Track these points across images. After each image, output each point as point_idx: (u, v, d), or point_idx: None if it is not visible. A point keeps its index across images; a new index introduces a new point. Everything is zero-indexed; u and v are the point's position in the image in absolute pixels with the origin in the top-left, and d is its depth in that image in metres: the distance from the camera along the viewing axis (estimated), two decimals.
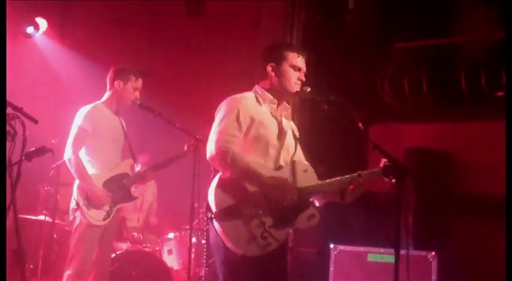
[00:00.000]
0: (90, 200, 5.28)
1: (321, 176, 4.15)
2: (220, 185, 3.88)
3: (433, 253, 6.30)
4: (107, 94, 5.70)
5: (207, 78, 9.05)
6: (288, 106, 4.29)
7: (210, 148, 3.92)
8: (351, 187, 4.04)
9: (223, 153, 3.86)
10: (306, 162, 4.22)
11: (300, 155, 4.27)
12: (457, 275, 6.70)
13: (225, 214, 3.81)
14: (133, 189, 5.74)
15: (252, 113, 4.02)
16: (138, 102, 5.47)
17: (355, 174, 4.04)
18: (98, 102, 5.67)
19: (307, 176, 4.11)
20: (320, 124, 6.97)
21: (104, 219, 5.41)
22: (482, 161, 7.33)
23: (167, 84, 9.54)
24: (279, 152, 4.11)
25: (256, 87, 4.21)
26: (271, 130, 4.09)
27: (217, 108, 4.10)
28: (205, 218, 3.92)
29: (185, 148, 6.05)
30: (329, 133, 7.14)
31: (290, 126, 4.27)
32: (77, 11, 8.92)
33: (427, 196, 7.31)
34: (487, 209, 6.66)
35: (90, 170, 5.39)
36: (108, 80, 5.72)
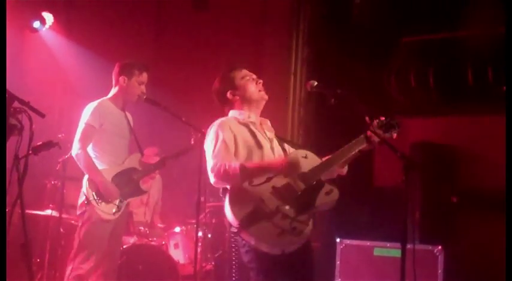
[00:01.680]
0: (101, 195, 5.30)
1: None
2: (232, 198, 3.95)
3: (440, 247, 6.29)
4: (113, 90, 5.72)
5: (213, 72, 9.02)
6: (266, 119, 4.43)
7: (213, 175, 4.05)
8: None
9: (225, 169, 3.98)
10: (303, 150, 4.24)
11: None
12: (464, 269, 6.71)
13: (248, 221, 3.86)
14: (142, 183, 5.74)
15: (235, 132, 4.17)
16: (144, 97, 5.47)
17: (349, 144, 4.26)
18: (105, 98, 5.69)
19: (309, 160, 4.16)
20: (326, 118, 6.97)
21: (115, 213, 5.42)
22: (488, 156, 7.32)
23: (173, 78, 9.54)
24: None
25: (232, 112, 4.37)
26: (252, 145, 4.20)
27: (208, 131, 4.28)
28: (232, 236, 3.95)
29: (192, 142, 6.09)
30: (335, 127, 7.13)
31: (273, 136, 4.38)
32: (83, 6, 8.91)
33: (434, 190, 7.30)
34: (494, 203, 6.64)
35: (98, 165, 5.40)
36: (113, 76, 5.74)
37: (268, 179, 3.98)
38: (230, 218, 3.90)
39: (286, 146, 4.38)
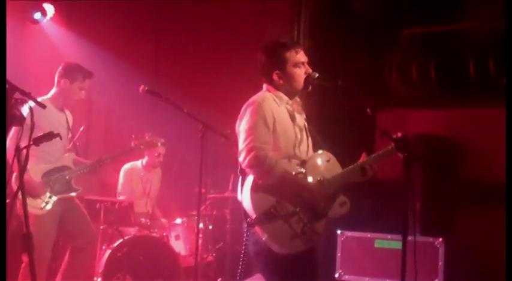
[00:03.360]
0: (26, 190, 5.32)
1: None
2: (255, 189, 3.89)
3: (440, 239, 6.30)
4: (53, 90, 5.76)
5: (213, 65, 9.04)
6: (299, 100, 4.30)
7: (247, 158, 3.88)
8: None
9: (262, 163, 3.85)
10: (328, 152, 4.23)
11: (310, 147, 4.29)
12: (465, 261, 6.71)
13: (265, 217, 3.84)
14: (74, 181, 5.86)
15: (274, 114, 4.02)
16: (146, 88, 5.46)
17: (373, 155, 4.15)
18: (44, 97, 5.68)
19: (331, 166, 4.17)
20: (328, 110, 6.96)
21: (42, 208, 5.53)
22: (490, 148, 7.31)
23: (174, 69, 9.53)
24: (299, 148, 4.13)
25: (269, 87, 4.19)
26: (289, 129, 4.10)
27: (242, 113, 4.07)
28: (244, 226, 3.92)
29: (132, 144, 6.26)
30: (337, 119, 7.13)
31: (303, 121, 4.28)
32: None
33: (435, 182, 7.30)
34: (495, 195, 6.64)
35: (30, 162, 5.41)
36: (56, 76, 5.76)
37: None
38: (248, 209, 3.87)
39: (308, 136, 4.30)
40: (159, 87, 5.97)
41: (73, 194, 5.86)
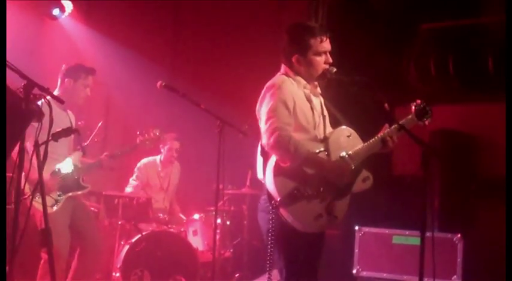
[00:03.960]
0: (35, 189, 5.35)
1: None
2: (278, 171, 3.89)
3: (459, 235, 6.27)
4: (56, 91, 5.77)
5: (230, 60, 9.04)
6: (316, 83, 4.28)
7: (271, 139, 3.88)
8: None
9: (286, 144, 3.86)
10: (348, 128, 4.25)
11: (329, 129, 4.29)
12: (483, 257, 6.68)
13: (289, 199, 3.85)
14: (82, 179, 5.88)
15: (294, 96, 4.02)
16: (164, 84, 5.46)
17: (394, 127, 4.15)
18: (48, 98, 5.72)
19: (352, 141, 4.18)
20: (345, 105, 6.93)
21: (52, 206, 5.53)
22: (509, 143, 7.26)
23: (191, 65, 9.55)
24: (318, 130, 4.14)
25: (287, 70, 4.17)
26: (308, 111, 4.10)
27: (262, 96, 4.06)
28: (270, 208, 3.90)
29: (137, 141, 6.32)
30: (354, 114, 7.08)
31: (320, 103, 4.27)
32: None
33: (453, 178, 7.26)
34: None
35: (37, 161, 5.43)
36: (59, 78, 5.83)
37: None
38: (272, 191, 3.88)
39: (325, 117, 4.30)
40: (176, 83, 5.98)
41: (82, 191, 5.89)
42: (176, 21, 10.01)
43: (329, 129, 4.26)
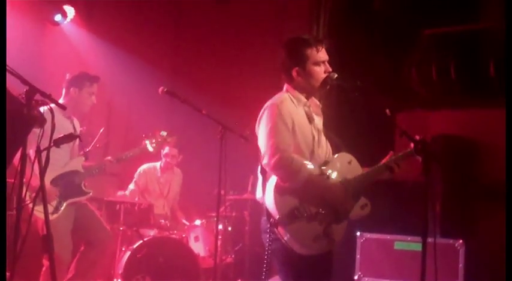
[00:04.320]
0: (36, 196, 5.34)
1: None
2: (279, 190, 3.88)
3: (461, 241, 6.26)
4: (61, 101, 5.77)
5: (232, 65, 9.05)
6: (318, 103, 4.29)
7: (272, 161, 3.85)
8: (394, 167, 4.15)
9: (288, 165, 3.84)
10: (348, 154, 4.21)
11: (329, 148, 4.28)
12: (485, 263, 6.66)
13: (288, 218, 3.83)
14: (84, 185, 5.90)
15: (293, 115, 4.00)
16: (166, 89, 5.47)
17: (394, 157, 4.17)
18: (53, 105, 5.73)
19: (353, 167, 4.16)
20: (347, 111, 6.94)
21: (52, 213, 5.52)
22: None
23: (193, 70, 9.55)
24: (318, 150, 4.12)
25: (288, 88, 4.16)
26: (307, 131, 4.09)
27: (261, 116, 4.05)
28: (267, 227, 3.90)
29: (143, 144, 6.35)
30: (356, 120, 7.11)
31: (321, 124, 4.26)
32: None
33: (455, 184, 7.25)
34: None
35: (37, 169, 5.43)
36: (63, 87, 5.86)
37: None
38: (271, 209, 3.85)
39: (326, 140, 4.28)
40: (178, 88, 5.99)
41: (84, 197, 5.89)
42: (177, 26, 10.02)
43: (329, 150, 4.24)
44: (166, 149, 8.13)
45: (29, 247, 3.81)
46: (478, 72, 7.49)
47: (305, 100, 4.14)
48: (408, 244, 6.41)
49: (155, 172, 8.23)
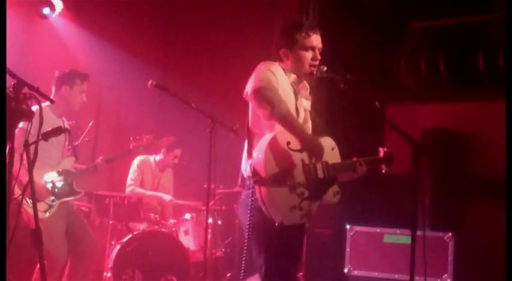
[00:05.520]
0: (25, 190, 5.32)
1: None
2: (272, 147, 3.83)
3: (450, 233, 6.28)
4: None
5: (222, 60, 9.03)
6: (307, 85, 4.30)
7: (255, 86, 3.86)
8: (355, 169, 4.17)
9: (271, 92, 3.84)
10: (333, 141, 4.23)
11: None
12: (474, 256, 6.68)
13: (274, 181, 3.78)
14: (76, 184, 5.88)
15: (279, 80, 4.01)
16: (155, 83, 5.44)
17: (364, 158, 4.19)
18: (44, 105, 5.71)
19: (334, 154, 4.18)
20: (337, 103, 6.95)
21: (46, 211, 5.52)
22: (500, 142, 7.28)
23: (183, 65, 9.53)
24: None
25: (279, 63, 4.18)
26: (291, 103, 4.09)
27: (255, 70, 4.04)
28: (252, 182, 3.87)
29: (130, 146, 6.35)
30: (346, 113, 7.11)
31: (309, 106, 4.28)
32: None
33: (444, 177, 7.27)
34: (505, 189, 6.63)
35: None
36: (53, 85, 5.82)
37: (301, 150, 3.92)
38: (259, 166, 3.81)
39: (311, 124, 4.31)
40: (168, 82, 5.98)
41: (76, 197, 5.88)
42: (168, 20, 9.98)
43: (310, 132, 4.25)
44: (177, 151, 8.10)
45: (22, 241, 3.80)
46: (467, 65, 7.51)
47: (294, 76, 4.17)
48: (398, 237, 6.42)
49: (150, 164, 8.21)
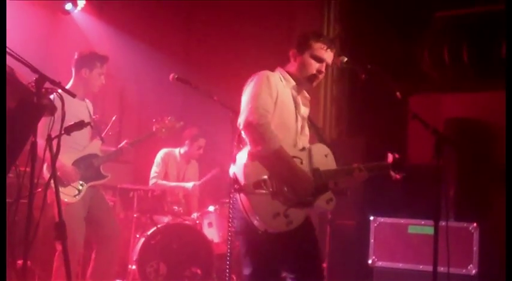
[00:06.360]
0: (60, 178, 5.33)
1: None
2: (252, 157, 3.85)
3: (475, 224, 6.24)
4: (72, 81, 5.78)
5: (243, 53, 9.02)
6: (308, 96, 4.29)
7: (249, 119, 3.85)
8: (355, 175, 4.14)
9: (262, 128, 3.82)
10: (327, 147, 4.22)
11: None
12: (499, 246, 6.63)
13: (254, 187, 3.79)
14: (103, 168, 5.89)
15: (279, 89, 4.02)
16: (176, 76, 5.45)
17: (366, 165, 4.17)
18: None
19: (328, 161, 4.16)
20: (359, 94, 6.92)
21: (76, 196, 5.55)
22: None
23: (204, 58, 9.54)
24: (296, 134, 4.13)
25: (280, 69, 4.21)
26: (290, 112, 4.10)
27: (248, 82, 4.08)
28: (232, 191, 3.88)
29: (153, 129, 6.35)
30: (368, 103, 7.08)
31: (307, 114, 4.27)
32: None
33: (469, 167, 7.22)
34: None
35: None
36: (73, 67, 5.83)
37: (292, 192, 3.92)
38: (239, 175, 3.83)
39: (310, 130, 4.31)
40: (189, 75, 5.96)
41: (103, 181, 5.90)
42: (190, 14, 9.99)
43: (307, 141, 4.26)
44: (201, 141, 8.12)
45: (46, 231, 3.83)
46: (490, 54, 7.44)
47: (294, 83, 4.16)
48: (422, 227, 6.39)
49: (175, 157, 8.23)
